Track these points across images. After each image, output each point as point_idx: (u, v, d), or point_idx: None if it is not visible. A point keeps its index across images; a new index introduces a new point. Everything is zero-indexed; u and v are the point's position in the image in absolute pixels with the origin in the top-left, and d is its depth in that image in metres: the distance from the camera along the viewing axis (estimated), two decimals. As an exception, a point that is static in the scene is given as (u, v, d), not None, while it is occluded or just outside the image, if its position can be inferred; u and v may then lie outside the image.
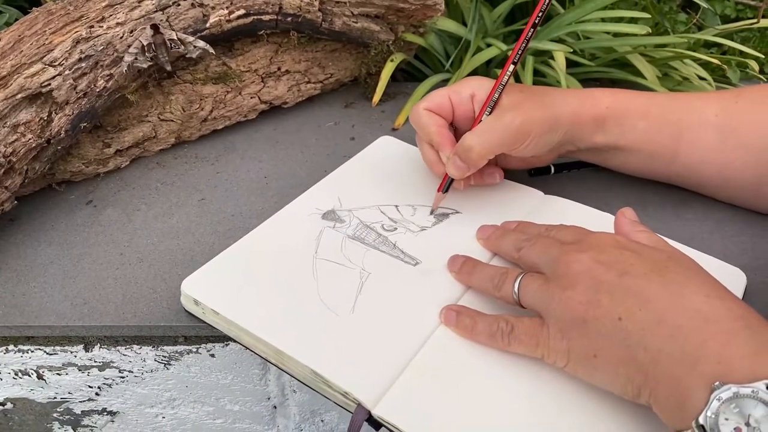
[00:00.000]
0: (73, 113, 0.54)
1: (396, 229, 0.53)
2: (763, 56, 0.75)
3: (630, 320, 0.37)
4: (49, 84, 0.52)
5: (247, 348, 0.45)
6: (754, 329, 0.34)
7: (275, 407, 0.55)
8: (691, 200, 0.57)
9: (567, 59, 0.71)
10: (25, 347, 0.50)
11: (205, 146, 0.67)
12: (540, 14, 0.51)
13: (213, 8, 0.61)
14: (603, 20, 0.74)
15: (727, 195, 0.56)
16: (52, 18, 0.55)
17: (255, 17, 0.63)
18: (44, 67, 0.52)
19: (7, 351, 0.50)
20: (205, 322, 0.47)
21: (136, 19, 0.58)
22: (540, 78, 0.75)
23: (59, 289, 0.51)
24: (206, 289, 0.46)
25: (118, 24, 0.57)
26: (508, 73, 0.51)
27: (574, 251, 0.41)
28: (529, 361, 0.41)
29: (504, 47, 0.73)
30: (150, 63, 0.57)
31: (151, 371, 0.52)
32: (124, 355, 0.51)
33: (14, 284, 0.51)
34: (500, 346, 0.42)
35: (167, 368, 0.52)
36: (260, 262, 0.49)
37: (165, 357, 0.51)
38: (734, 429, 0.32)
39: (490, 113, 0.52)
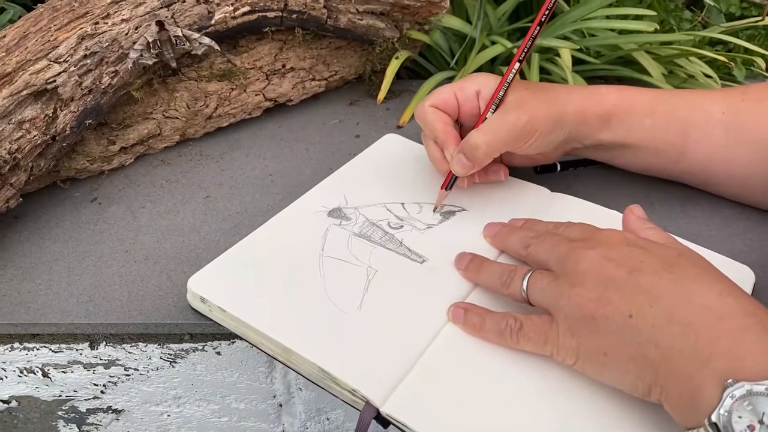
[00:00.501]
0: (78, 110, 0.54)
1: (402, 226, 0.53)
2: (769, 53, 0.74)
3: (640, 317, 0.36)
4: (54, 81, 0.52)
5: (253, 345, 0.45)
6: (766, 326, 0.34)
7: (281, 405, 0.55)
8: (699, 197, 0.57)
9: (572, 57, 0.71)
10: (31, 345, 0.50)
11: (210, 144, 0.67)
12: (546, 12, 0.51)
13: (218, 5, 0.61)
14: (608, 18, 0.74)
15: (734, 193, 0.56)
16: (57, 14, 0.55)
17: (260, 14, 0.63)
18: (49, 64, 0.52)
19: (12, 349, 0.50)
20: (211, 320, 0.47)
21: (141, 16, 0.57)
22: (546, 75, 0.75)
23: (65, 287, 0.51)
24: (213, 287, 0.46)
25: (123, 21, 0.56)
26: (514, 70, 0.51)
27: (582, 248, 0.41)
28: (538, 359, 0.41)
29: (509, 45, 0.73)
30: (155, 60, 0.57)
31: (157, 369, 0.52)
32: (129, 352, 0.50)
33: (19, 282, 0.51)
34: (509, 344, 0.42)
35: (173, 366, 0.52)
36: (267, 260, 0.49)
37: (171, 355, 0.51)
38: (747, 427, 0.31)
39: (495, 111, 0.51)
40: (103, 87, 0.55)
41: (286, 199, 0.57)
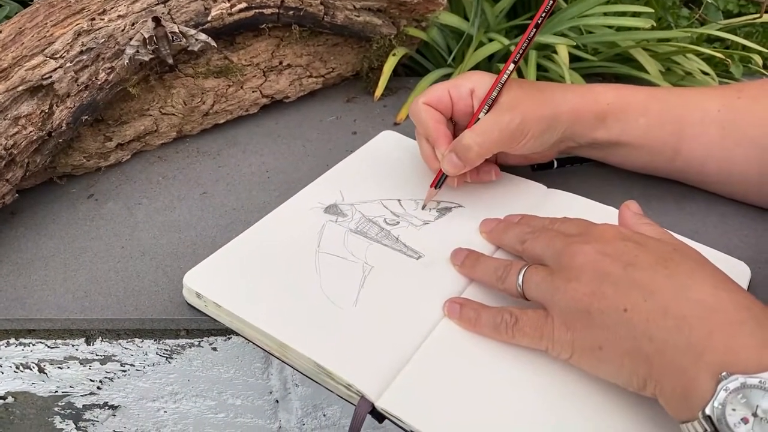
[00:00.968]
0: (74, 106, 0.54)
1: (398, 223, 0.53)
2: (766, 50, 0.74)
3: (635, 311, 0.36)
4: (51, 76, 0.52)
5: (249, 341, 0.45)
6: (760, 320, 0.34)
7: (277, 401, 0.55)
8: (695, 194, 0.57)
9: (569, 54, 0.71)
10: (27, 340, 0.50)
11: (207, 140, 0.67)
12: (543, 15, 0.51)
13: (215, 1, 0.61)
14: (605, 14, 0.74)
15: (730, 191, 0.56)
16: (54, 10, 0.55)
17: (257, 10, 0.63)
18: (45, 60, 0.52)
19: (8, 344, 0.50)
20: (207, 316, 0.47)
21: (137, 12, 0.57)
22: (543, 73, 0.75)
23: (61, 282, 0.51)
24: (208, 282, 0.46)
25: (119, 16, 0.56)
26: (508, 71, 0.51)
27: (578, 243, 0.41)
28: (533, 354, 0.41)
29: (506, 42, 0.73)
30: (152, 56, 0.57)
31: (153, 365, 0.52)
32: (125, 348, 0.50)
33: (15, 277, 0.51)
34: (504, 339, 0.42)
35: (169, 362, 0.52)
36: (263, 256, 0.49)
37: (167, 350, 0.51)
38: (741, 420, 0.31)
39: (488, 111, 0.51)
40: (99, 83, 0.55)
41: (282, 196, 0.57)
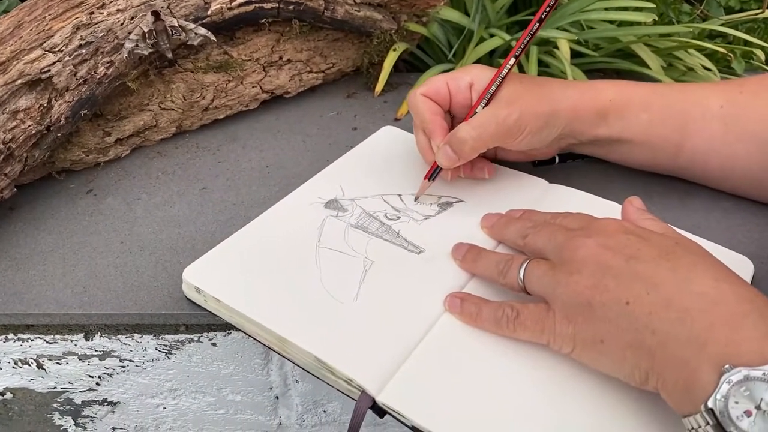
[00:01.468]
0: (73, 100, 0.54)
1: (399, 218, 0.52)
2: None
3: (637, 304, 0.36)
4: (49, 70, 0.52)
5: (249, 336, 0.45)
6: (763, 312, 0.34)
7: (277, 397, 0.55)
8: (697, 189, 0.56)
9: (571, 50, 0.71)
10: (25, 336, 0.50)
11: (206, 136, 0.67)
12: (547, 9, 0.50)
13: (214, -5, 0.60)
14: (607, 9, 0.74)
15: (732, 186, 0.56)
16: (52, 4, 0.55)
17: (257, 5, 0.63)
18: (44, 53, 0.52)
19: (6, 340, 0.50)
20: (206, 311, 0.46)
21: (136, 6, 0.57)
22: (544, 68, 0.74)
23: (59, 278, 0.50)
24: (208, 277, 0.46)
25: (118, 10, 0.56)
26: (508, 66, 0.51)
27: (580, 236, 0.41)
28: (535, 348, 0.41)
29: (507, 37, 0.73)
30: (151, 50, 0.57)
31: (152, 360, 0.51)
32: (124, 344, 0.50)
33: (14, 272, 0.51)
34: (505, 333, 0.42)
35: (168, 357, 0.51)
36: (262, 251, 0.48)
37: (166, 346, 0.50)
38: (744, 412, 0.31)
39: (486, 105, 0.51)
40: (98, 77, 0.55)
41: (282, 191, 0.57)
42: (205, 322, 0.49)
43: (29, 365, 0.52)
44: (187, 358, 0.51)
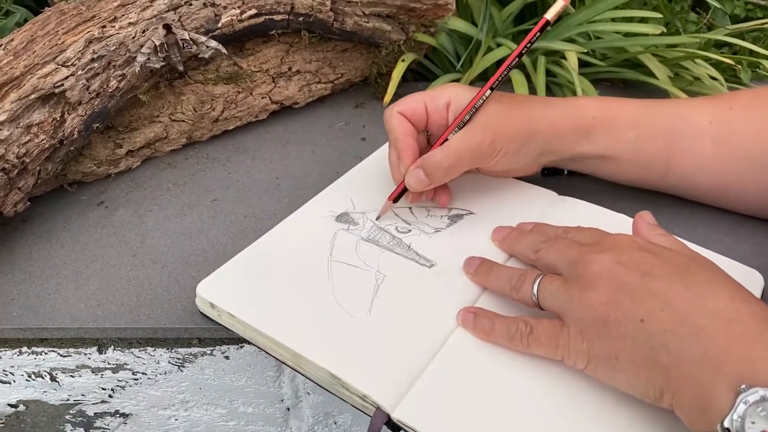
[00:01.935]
0: (85, 114, 0.54)
1: (410, 231, 0.53)
2: (775, 56, 0.74)
3: (652, 322, 0.36)
4: (62, 84, 0.52)
5: (263, 351, 0.45)
6: (778, 332, 0.34)
7: (288, 409, 0.55)
8: (706, 201, 0.57)
9: (578, 59, 0.71)
10: (39, 349, 0.50)
11: (216, 147, 0.67)
12: (527, 46, 0.50)
13: (225, 8, 0.61)
14: (614, 20, 0.74)
15: (728, 205, 0.55)
16: (65, 18, 0.55)
17: (267, 17, 0.63)
18: (57, 68, 0.52)
19: (20, 353, 0.50)
20: (220, 325, 0.47)
21: (148, 19, 0.57)
22: (552, 78, 0.75)
23: (72, 291, 0.51)
24: (222, 292, 0.46)
25: (130, 24, 0.56)
26: (484, 97, 0.50)
27: (593, 252, 0.41)
28: (549, 364, 0.41)
29: (514, 47, 0.73)
30: (162, 63, 0.57)
31: (165, 373, 0.52)
32: (137, 357, 0.50)
33: (28, 286, 0.51)
34: (519, 348, 0.42)
35: (181, 370, 0.51)
36: (275, 265, 0.49)
37: (179, 359, 0.51)
38: (761, 433, 0.31)
39: (462, 128, 0.51)
40: (110, 90, 0.55)
41: (292, 203, 0.57)
42: (218, 336, 0.49)
43: (42, 378, 0.52)
44: (200, 371, 0.52)
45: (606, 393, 0.40)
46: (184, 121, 0.63)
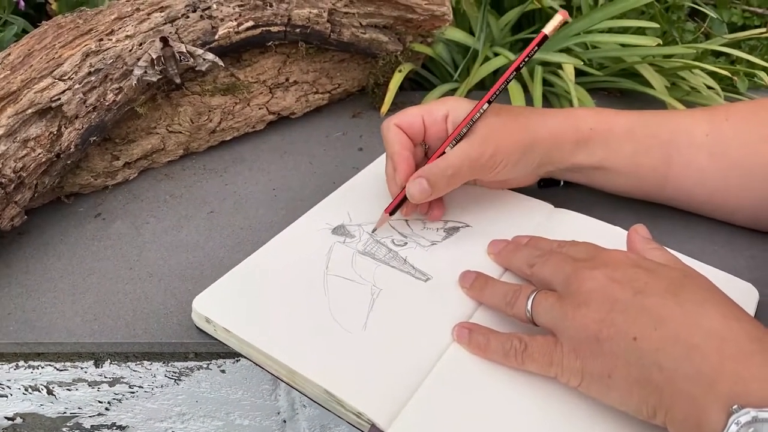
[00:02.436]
0: (82, 127, 0.54)
1: (406, 243, 0.53)
2: (771, 66, 0.74)
3: (645, 340, 0.36)
4: (59, 98, 0.52)
5: (259, 366, 0.45)
6: (771, 352, 0.34)
7: (285, 422, 0.55)
8: (702, 214, 0.57)
9: (575, 69, 0.71)
10: (35, 363, 0.50)
11: (213, 157, 0.67)
12: (525, 59, 0.51)
13: (222, 20, 0.61)
14: (611, 30, 0.74)
15: (724, 216, 0.55)
16: (62, 32, 0.55)
17: (264, 29, 0.63)
18: (54, 82, 0.52)
19: (17, 367, 0.50)
20: (216, 339, 0.47)
21: (145, 32, 0.58)
22: (548, 88, 0.75)
23: (69, 305, 0.51)
24: (217, 307, 0.46)
25: (127, 37, 0.57)
26: (481, 110, 0.50)
27: (587, 268, 0.41)
28: (544, 380, 0.41)
29: (512, 57, 0.73)
30: (159, 76, 0.57)
31: (161, 387, 0.52)
32: (134, 371, 0.50)
33: (25, 299, 0.51)
34: (514, 365, 0.42)
35: (177, 384, 0.52)
36: (271, 279, 0.49)
37: (175, 373, 0.51)
38: (752, 454, 0.31)
39: (458, 143, 0.51)
40: (107, 104, 0.55)
41: (289, 214, 0.57)
42: (215, 350, 0.49)
43: (39, 391, 0.52)
44: (196, 384, 0.52)
45: (600, 410, 0.40)
46: (181, 132, 0.63)
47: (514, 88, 0.71)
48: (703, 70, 0.72)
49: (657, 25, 0.74)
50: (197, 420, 0.55)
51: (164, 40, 0.57)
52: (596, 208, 0.56)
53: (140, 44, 0.57)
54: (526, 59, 0.51)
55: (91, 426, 0.55)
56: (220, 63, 0.60)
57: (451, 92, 0.74)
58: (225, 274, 0.49)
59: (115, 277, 0.53)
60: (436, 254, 0.52)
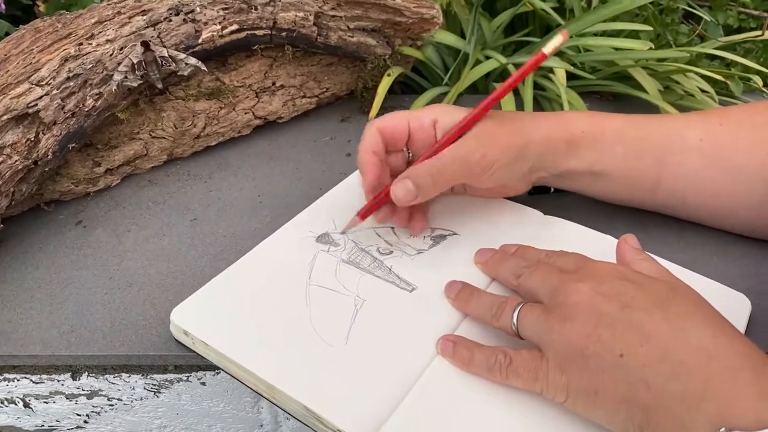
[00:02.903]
0: (61, 134, 0.53)
1: (392, 252, 0.52)
2: (766, 70, 0.73)
3: (631, 356, 0.35)
4: (36, 104, 0.51)
5: (238, 380, 0.44)
6: (759, 370, 0.33)
7: (268, 434, 0.54)
8: (695, 222, 0.56)
9: (567, 72, 0.70)
10: (11, 375, 0.49)
11: (198, 163, 0.66)
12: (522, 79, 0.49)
13: (205, 24, 0.60)
14: (605, 33, 0.73)
15: (717, 223, 0.54)
16: (40, 36, 0.54)
17: (248, 32, 0.62)
18: (31, 87, 0.51)
19: (-8, 379, 0.49)
20: (194, 352, 0.46)
21: (126, 36, 0.56)
22: (540, 91, 0.74)
23: (46, 316, 0.49)
24: (196, 319, 0.45)
25: (107, 41, 0.55)
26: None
27: (573, 281, 0.40)
28: (529, 396, 0.40)
29: (503, 60, 0.72)
30: (140, 81, 0.56)
31: (141, 399, 0.51)
32: (112, 383, 0.49)
33: (0, 310, 0.50)
34: (498, 380, 0.41)
35: (157, 396, 0.50)
36: (251, 291, 0.48)
37: (155, 385, 0.50)
38: (740, 478, 0.30)
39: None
40: (86, 110, 0.54)
41: (274, 222, 0.56)
42: (194, 363, 0.48)
43: (16, 404, 0.51)
44: (176, 397, 0.51)
45: (586, 426, 0.39)
46: (164, 138, 0.62)
47: (505, 92, 0.69)
48: (696, 73, 0.71)
49: (650, 28, 0.72)
50: (178, 432, 0.54)
51: (145, 45, 0.55)
52: (586, 215, 0.55)
53: (121, 48, 0.56)
54: (522, 79, 0.49)
55: (70, 439, 0.54)
56: (203, 68, 0.59)
57: (442, 96, 0.72)
58: (206, 284, 0.48)
59: (94, 287, 0.52)
60: (422, 263, 0.51)
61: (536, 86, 0.72)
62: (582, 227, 0.54)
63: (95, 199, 0.61)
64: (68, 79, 0.53)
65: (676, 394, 0.34)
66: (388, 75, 0.69)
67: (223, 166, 0.65)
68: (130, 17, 0.57)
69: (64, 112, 0.53)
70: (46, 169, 0.53)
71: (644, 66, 0.71)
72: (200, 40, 0.59)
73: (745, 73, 0.74)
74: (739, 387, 0.33)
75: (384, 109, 0.72)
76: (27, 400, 0.51)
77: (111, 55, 0.55)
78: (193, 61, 0.58)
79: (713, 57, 0.80)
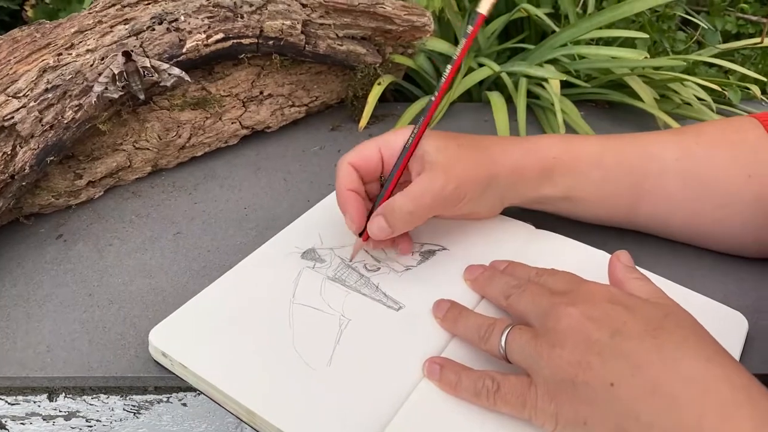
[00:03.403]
0: (38, 147, 0.51)
1: (379, 269, 0.50)
2: (764, 78, 0.72)
3: (622, 387, 0.34)
4: (13, 117, 0.50)
5: (218, 404, 0.43)
6: (756, 402, 0.32)
7: (253, 454, 0.52)
8: (690, 236, 0.54)
9: (561, 80, 0.69)
10: (-14, 397, 0.48)
11: (183, 173, 0.64)
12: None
13: (190, 33, 0.58)
14: (600, 40, 0.72)
15: (702, 242, 0.53)
16: (18, 46, 0.52)
17: (234, 41, 0.61)
18: (7, 99, 0.50)
19: (-33, 400, 0.48)
20: (173, 373, 0.44)
21: (108, 45, 0.55)
22: (533, 100, 0.72)
23: (22, 335, 0.48)
24: (174, 341, 0.44)
25: (88, 51, 0.54)
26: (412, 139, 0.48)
27: (564, 305, 0.39)
28: (517, 422, 0.39)
29: (497, 68, 0.71)
30: (121, 92, 0.54)
31: (120, 420, 0.49)
32: (90, 404, 0.48)
33: (-25, 329, 0.49)
34: (485, 405, 0.39)
35: (137, 417, 0.49)
36: (232, 311, 0.46)
37: (134, 406, 0.48)
38: None
39: (422, 173, 0.47)
40: (65, 122, 0.53)
41: (260, 236, 0.55)
42: (175, 384, 0.47)
43: (-8, 426, 0.50)
44: (157, 418, 0.49)
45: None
46: (148, 149, 0.61)
47: (498, 100, 0.68)
48: (693, 82, 0.70)
49: (646, 36, 0.71)
50: (160, 453, 0.52)
51: (127, 55, 0.54)
52: (578, 229, 0.54)
53: (102, 59, 0.54)
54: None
55: (49, 460, 0.53)
56: (187, 78, 0.57)
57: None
58: (187, 301, 0.47)
59: (73, 305, 0.51)
60: (411, 280, 0.49)
61: (530, 95, 0.71)
62: (574, 241, 0.53)
63: (77, 211, 0.60)
64: (47, 90, 0.52)
65: (668, 429, 0.32)
66: (379, 84, 0.68)
67: (209, 177, 0.64)
68: (111, 26, 0.56)
69: (42, 125, 0.51)
70: (24, 183, 0.52)
71: (640, 74, 0.70)
72: (184, 50, 0.58)
73: (742, 82, 0.72)
74: (734, 422, 0.31)
75: (375, 117, 0.71)
76: (3, 421, 0.49)
77: (91, 65, 0.54)
78: (176, 71, 0.56)
79: (711, 65, 0.79)
